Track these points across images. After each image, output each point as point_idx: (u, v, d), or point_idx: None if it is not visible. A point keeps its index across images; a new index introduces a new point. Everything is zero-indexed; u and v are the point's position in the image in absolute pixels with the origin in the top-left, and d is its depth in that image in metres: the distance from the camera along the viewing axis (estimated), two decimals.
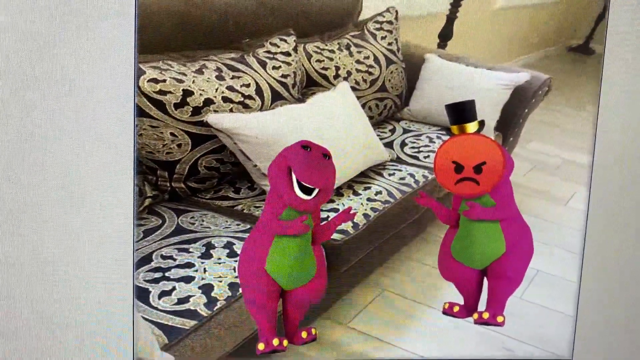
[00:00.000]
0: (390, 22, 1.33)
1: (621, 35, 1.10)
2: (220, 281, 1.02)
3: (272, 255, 0.95)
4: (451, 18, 1.25)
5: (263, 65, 1.19)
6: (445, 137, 1.27)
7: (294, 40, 1.23)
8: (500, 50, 1.27)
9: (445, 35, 1.27)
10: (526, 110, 1.32)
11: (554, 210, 1.23)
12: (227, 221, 1.14)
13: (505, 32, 1.25)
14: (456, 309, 1.08)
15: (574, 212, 1.18)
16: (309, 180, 0.92)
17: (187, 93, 1.10)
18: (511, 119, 1.32)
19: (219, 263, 1.05)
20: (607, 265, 1.14)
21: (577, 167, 1.16)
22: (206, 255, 1.06)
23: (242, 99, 1.15)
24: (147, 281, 1.01)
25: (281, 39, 1.22)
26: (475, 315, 1.04)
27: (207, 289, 1.01)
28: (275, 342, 0.97)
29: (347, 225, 1.13)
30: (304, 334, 1.03)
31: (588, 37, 1.22)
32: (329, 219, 1.03)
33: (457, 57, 1.30)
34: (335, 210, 1.15)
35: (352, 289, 1.18)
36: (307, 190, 0.93)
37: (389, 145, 1.32)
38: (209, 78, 1.12)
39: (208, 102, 1.11)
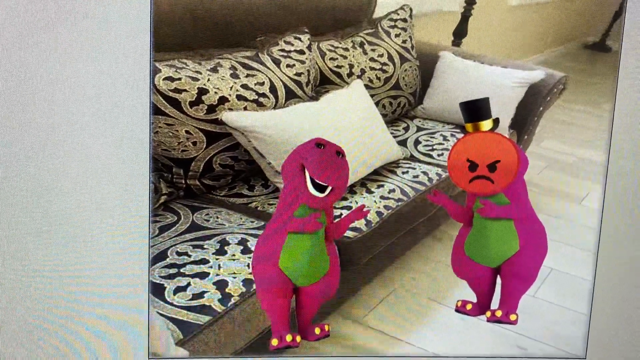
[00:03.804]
0: (404, 20, 1.33)
1: (638, 32, 1.08)
2: (235, 277, 1.03)
3: (286, 252, 0.96)
4: (466, 16, 1.24)
5: (277, 63, 1.20)
6: (460, 135, 1.27)
7: (308, 39, 1.24)
8: (515, 48, 1.26)
9: (459, 33, 1.27)
10: (541, 109, 1.31)
11: (568, 208, 1.22)
12: (241, 218, 1.15)
13: (520, 29, 1.24)
14: (469, 306, 1.07)
15: (588, 210, 1.17)
16: (323, 178, 0.93)
17: (202, 91, 1.10)
18: (526, 117, 1.31)
19: (233, 259, 1.06)
20: (621, 264, 1.13)
21: (592, 166, 1.15)
22: (220, 252, 1.07)
23: (256, 97, 1.16)
24: (162, 277, 1.02)
25: (295, 37, 1.22)
26: (488, 313, 1.04)
27: (221, 285, 1.01)
28: (289, 338, 0.97)
29: (360, 223, 1.13)
30: (316, 330, 1.03)
31: (604, 35, 1.21)
32: (342, 216, 1.03)
33: (472, 54, 1.29)
34: (349, 208, 1.16)
35: (365, 286, 1.18)
36: (320, 188, 0.93)
37: (402, 143, 1.32)
38: (223, 76, 1.13)
39: (223, 100, 1.12)
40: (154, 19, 1.01)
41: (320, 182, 0.93)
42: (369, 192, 1.20)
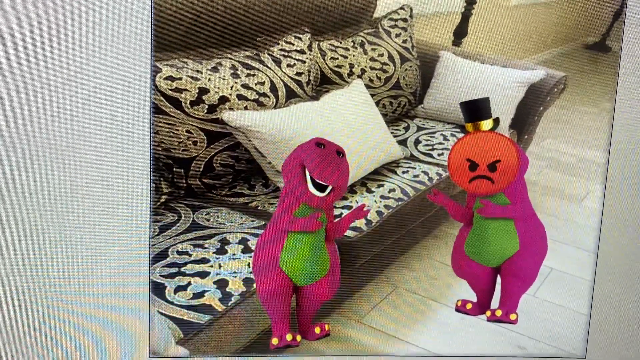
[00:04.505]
0: (404, 20, 1.33)
1: (638, 32, 1.08)
2: (235, 276, 1.03)
3: (286, 251, 0.95)
4: (466, 15, 1.24)
5: (278, 63, 1.20)
6: (460, 135, 1.27)
7: (309, 38, 1.23)
8: (516, 48, 1.26)
9: (460, 33, 1.27)
10: (541, 108, 1.31)
11: (568, 208, 1.22)
12: (241, 217, 1.15)
13: (521, 29, 1.24)
14: (469, 306, 1.07)
15: (588, 210, 1.17)
16: (323, 178, 0.92)
17: (203, 91, 1.10)
18: (526, 116, 1.31)
19: (234, 259, 1.05)
20: (621, 264, 1.13)
21: (592, 166, 1.15)
22: (221, 251, 1.07)
23: (256, 97, 1.15)
24: (163, 276, 1.02)
25: (296, 37, 1.22)
26: (488, 313, 1.04)
27: (222, 284, 1.01)
28: (289, 337, 0.97)
29: (360, 223, 1.13)
30: (317, 330, 1.03)
31: (605, 35, 1.21)
32: (343, 215, 1.03)
33: (472, 54, 1.29)
34: (349, 207, 1.16)
35: (365, 286, 1.18)
36: (320, 188, 0.93)
37: (403, 142, 1.32)
38: (224, 76, 1.13)
39: (223, 99, 1.12)
40: (154, 18, 1.01)
41: (320, 182, 0.93)
42: (369, 191, 1.20)
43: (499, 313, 1.03)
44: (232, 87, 1.13)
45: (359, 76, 1.28)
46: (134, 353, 1.05)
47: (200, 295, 0.99)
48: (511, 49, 1.26)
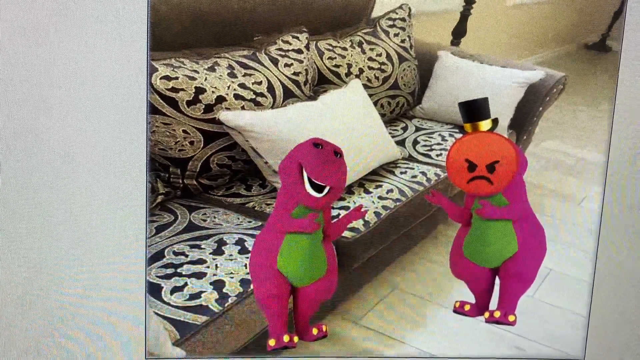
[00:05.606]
0: (403, 19, 1.32)
1: (639, 32, 1.08)
2: (232, 277, 1.03)
3: (283, 252, 0.95)
4: (465, 15, 1.24)
5: (275, 62, 1.19)
6: (458, 135, 1.27)
7: (306, 38, 1.23)
8: (515, 48, 1.26)
9: (458, 33, 1.27)
10: (540, 109, 1.31)
11: (567, 209, 1.22)
12: (238, 218, 1.15)
13: (520, 29, 1.23)
14: (467, 307, 1.07)
15: (587, 211, 1.17)
16: (320, 178, 0.92)
17: (200, 90, 1.10)
18: (525, 117, 1.31)
19: (231, 259, 1.05)
20: (620, 265, 1.13)
21: (591, 167, 1.14)
22: (218, 252, 1.06)
23: (253, 97, 1.15)
24: (159, 277, 1.02)
25: (293, 36, 1.22)
26: (487, 314, 1.04)
27: (218, 285, 1.01)
28: (286, 338, 0.97)
29: (358, 223, 1.13)
30: (314, 331, 1.03)
31: (604, 34, 1.21)
32: (340, 216, 1.03)
33: (471, 54, 1.29)
34: (346, 208, 1.15)
35: (363, 287, 1.18)
36: (318, 188, 0.93)
37: (401, 143, 1.32)
38: (221, 75, 1.13)
39: (220, 99, 1.12)
40: (150, 17, 1.00)
41: (318, 182, 0.92)
42: (367, 192, 1.20)
43: (497, 314, 1.03)
44: (229, 87, 1.13)
45: (357, 76, 1.27)
46: (130, 354, 1.05)
47: (196, 296, 0.99)
48: (510, 48, 1.26)
